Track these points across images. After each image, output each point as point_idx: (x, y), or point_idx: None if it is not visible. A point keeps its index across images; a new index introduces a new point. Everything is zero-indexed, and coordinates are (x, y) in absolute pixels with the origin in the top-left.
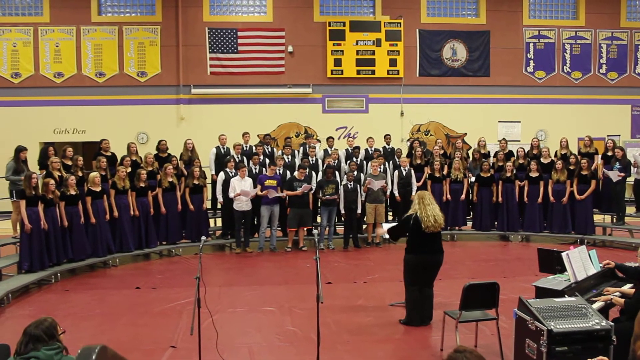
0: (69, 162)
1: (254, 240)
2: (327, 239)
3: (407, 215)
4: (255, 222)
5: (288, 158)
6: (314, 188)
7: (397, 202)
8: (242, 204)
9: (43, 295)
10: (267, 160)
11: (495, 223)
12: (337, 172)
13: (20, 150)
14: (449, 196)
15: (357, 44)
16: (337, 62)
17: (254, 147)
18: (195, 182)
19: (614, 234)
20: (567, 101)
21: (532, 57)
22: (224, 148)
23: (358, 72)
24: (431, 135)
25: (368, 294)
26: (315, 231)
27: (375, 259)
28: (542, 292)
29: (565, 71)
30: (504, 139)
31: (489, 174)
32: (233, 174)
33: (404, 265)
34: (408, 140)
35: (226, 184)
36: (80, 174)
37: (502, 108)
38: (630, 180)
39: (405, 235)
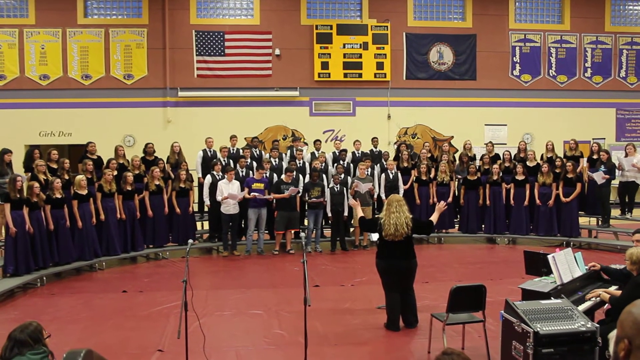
0: (55, 165)
1: (241, 243)
2: (315, 241)
3: (377, 217)
4: (243, 225)
5: (275, 161)
6: (301, 191)
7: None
8: (230, 207)
9: (28, 299)
10: (255, 163)
11: (482, 226)
12: (323, 175)
13: (4, 152)
14: (435, 199)
15: (344, 47)
16: (324, 65)
17: (241, 150)
18: (182, 185)
19: (600, 237)
20: (552, 105)
21: (518, 61)
22: (210, 151)
23: (345, 75)
24: (418, 138)
25: (355, 297)
26: (302, 234)
27: (363, 261)
28: (529, 295)
29: (551, 75)
30: (490, 142)
31: (475, 177)
32: (220, 177)
33: (376, 270)
34: (395, 143)
35: (213, 187)
36: (66, 177)
37: (489, 111)
38: (615, 183)
39: (373, 230)
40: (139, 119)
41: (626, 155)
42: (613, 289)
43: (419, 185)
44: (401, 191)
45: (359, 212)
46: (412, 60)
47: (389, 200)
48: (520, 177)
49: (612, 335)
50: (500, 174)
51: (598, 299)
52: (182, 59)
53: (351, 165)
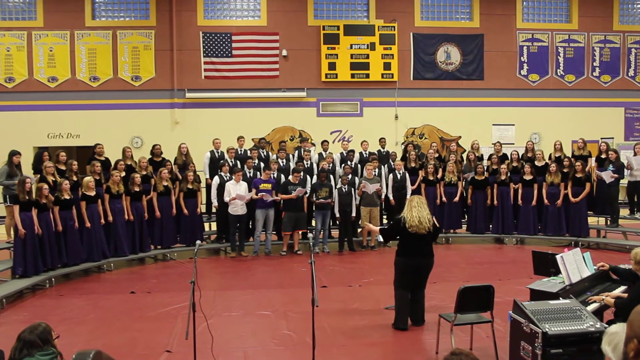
0: (63, 167)
1: (249, 244)
2: (322, 242)
3: (398, 217)
4: (250, 226)
5: (283, 162)
6: (308, 192)
7: (391, 205)
8: (237, 208)
9: (37, 300)
10: (262, 164)
11: (490, 226)
12: (331, 176)
13: (13, 154)
14: (443, 199)
15: (351, 47)
16: (332, 66)
17: (248, 151)
18: (190, 186)
19: (608, 236)
20: (560, 104)
21: (526, 61)
22: (218, 152)
23: (352, 75)
24: (425, 138)
25: (363, 298)
26: (310, 235)
27: (370, 262)
28: (537, 295)
29: (559, 74)
30: (498, 142)
31: (483, 177)
32: (228, 178)
33: (394, 268)
34: (402, 143)
35: (221, 188)
36: (74, 178)
37: (496, 111)
38: (624, 182)
39: (396, 238)
40: (147, 120)
41: (635, 155)
42: (620, 290)
43: (427, 186)
44: (409, 191)
45: (376, 230)
46: (419, 60)
47: (410, 198)
48: (528, 177)
49: (607, 336)
50: (508, 174)
51: (602, 302)
52: (189, 61)
53: (359, 165)
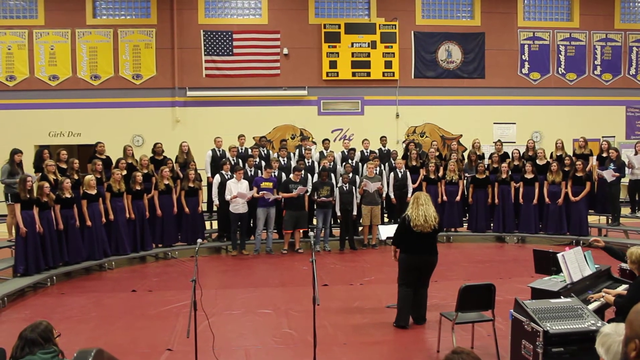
0: (64, 165)
1: (250, 243)
2: (323, 241)
3: (402, 216)
4: (252, 225)
5: (284, 160)
6: (309, 190)
7: (392, 204)
8: (239, 207)
9: (39, 298)
10: (263, 163)
11: (491, 224)
12: (332, 175)
13: (15, 153)
14: (444, 197)
15: (352, 46)
16: (333, 65)
17: (249, 150)
18: (191, 184)
19: (610, 235)
20: (562, 103)
21: (527, 59)
22: (219, 150)
23: (353, 74)
24: (427, 137)
25: (364, 296)
26: (311, 233)
27: (371, 260)
28: (538, 293)
29: (560, 73)
30: (499, 140)
31: (484, 176)
32: (229, 176)
33: (398, 265)
34: (403, 142)
35: (222, 187)
36: (76, 177)
37: (498, 110)
38: (625, 181)
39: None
40: (148, 118)
41: (636, 154)
42: (621, 289)
43: (428, 184)
44: (410, 190)
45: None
46: (420, 58)
47: (415, 195)
48: (529, 176)
49: (601, 337)
50: (509, 173)
51: (602, 299)
52: (190, 59)
53: (360, 164)
